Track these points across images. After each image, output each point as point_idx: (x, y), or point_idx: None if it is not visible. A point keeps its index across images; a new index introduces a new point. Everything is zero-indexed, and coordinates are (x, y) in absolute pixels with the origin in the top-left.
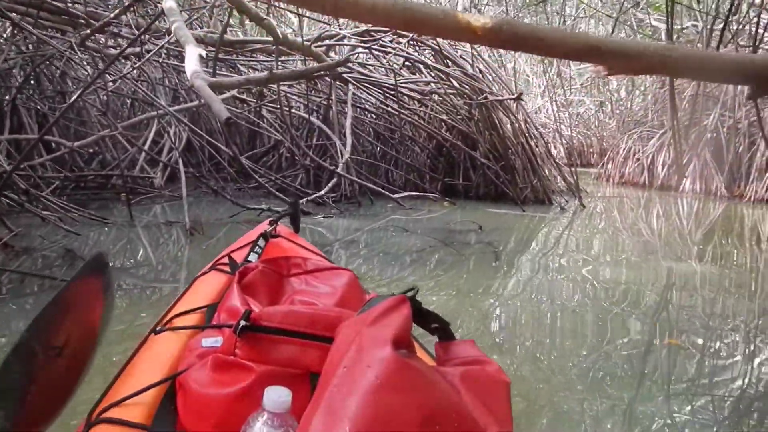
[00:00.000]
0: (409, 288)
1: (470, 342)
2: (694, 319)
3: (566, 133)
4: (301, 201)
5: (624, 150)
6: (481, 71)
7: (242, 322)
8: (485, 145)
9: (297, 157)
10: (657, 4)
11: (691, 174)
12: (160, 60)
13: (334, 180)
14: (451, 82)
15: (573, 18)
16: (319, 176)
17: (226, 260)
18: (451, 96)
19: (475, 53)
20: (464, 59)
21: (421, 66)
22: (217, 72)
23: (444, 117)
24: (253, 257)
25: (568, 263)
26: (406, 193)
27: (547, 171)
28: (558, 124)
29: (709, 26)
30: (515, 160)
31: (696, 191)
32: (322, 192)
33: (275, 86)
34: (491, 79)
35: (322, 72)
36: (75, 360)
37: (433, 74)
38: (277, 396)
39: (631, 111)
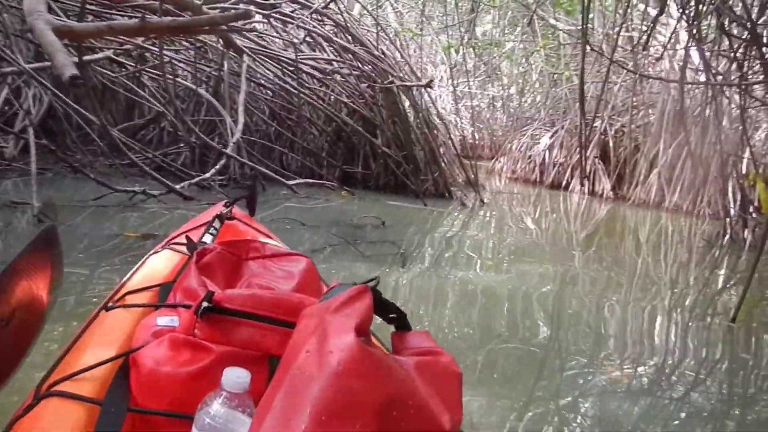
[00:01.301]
0: (371, 278)
1: (425, 333)
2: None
3: (462, 125)
4: (182, 184)
5: (517, 147)
6: (384, 53)
7: (204, 303)
8: (388, 133)
9: (180, 133)
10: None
11: (581, 174)
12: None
13: (223, 161)
14: (355, 63)
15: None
16: (207, 156)
17: (180, 239)
18: (354, 77)
19: (383, 34)
20: (369, 40)
21: (324, 43)
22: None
23: (345, 99)
24: (207, 238)
25: (476, 267)
26: (302, 180)
27: (448, 164)
28: (456, 115)
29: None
30: (418, 150)
31: (584, 191)
32: (208, 174)
33: (159, 50)
34: (395, 62)
35: (212, 28)
36: (22, 331)
37: (336, 52)
38: (236, 376)
39: (522, 109)
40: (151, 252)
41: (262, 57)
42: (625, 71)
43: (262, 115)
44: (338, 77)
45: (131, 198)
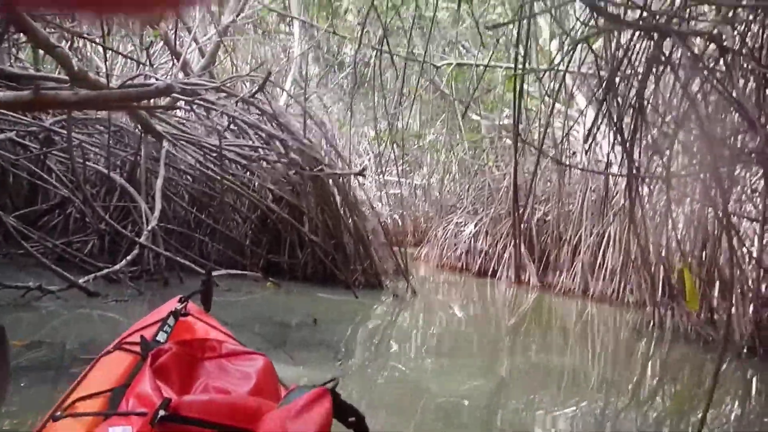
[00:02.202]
0: (330, 379)
1: None
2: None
3: (387, 212)
4: (86, 277)
5: (442, 234)
6: (311, 141)
7: (161, 412)
8: (316, 221)
9: (89, 220)
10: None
11: (507, 262)
12: None
13: (136, 251)
14: (282, 150)
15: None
16: (118, 245)
17: (133, 339)
18: (281, 164)
19: (310, 120)
20: (297, 128)
21: (250, 130)
22: None
23: (272, 186)
24: (162, 337)
25: (412, 365)
26: (224, 271)
27: (378, 252)
28: (381, 203)
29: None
30: (347, 239)
31: (510, 279)
32: (118, 266)
33: (67, 132)
34: (323, 150)
35: (128, 109)
36: None
37: (262, 139)
38: None
39: (444, 197)
40: (103, 353)
41: (183, 142)
42: (544, 162)
43: (182, 201)
44: (264, 164)
45: (24, 295)
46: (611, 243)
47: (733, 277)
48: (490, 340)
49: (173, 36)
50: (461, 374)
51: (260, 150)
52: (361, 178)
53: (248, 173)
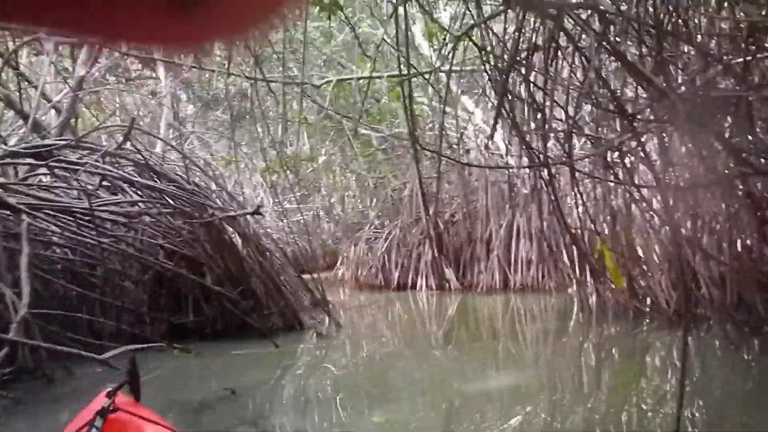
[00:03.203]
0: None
1: None
2: None
3: (292, 241)
4: None
5: (354, 254)
6: (198, 186)
7: None
8: (217, 270)
9: None
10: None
11: (423, 270)
12: None
13: (5, 350)
14: (166, 200)
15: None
16: None
17: None
18: (168, 216)
19: (193, 165)
20: (178, 174)
21: (125, 185)
22: None
23: (161, 241)
24: None
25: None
26: (121, 348)
27: (292, 290)
28: (285, 232)
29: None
30: (256, 283)
31: (431, 288)
32: None
33: None
34: (212, 193)
35: None
36: None
37: (140, 192)
38: None
39: (348, 216)
40: None
41: (47, 212)
42: (443, 163)
43: (57, 278)
44: (147, 219)
45: None
46: (521, 234)
47: (650, 249)
48: (428, 366)
49: (18, 97)
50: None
51: (140, 204)
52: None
53: (133, 232)
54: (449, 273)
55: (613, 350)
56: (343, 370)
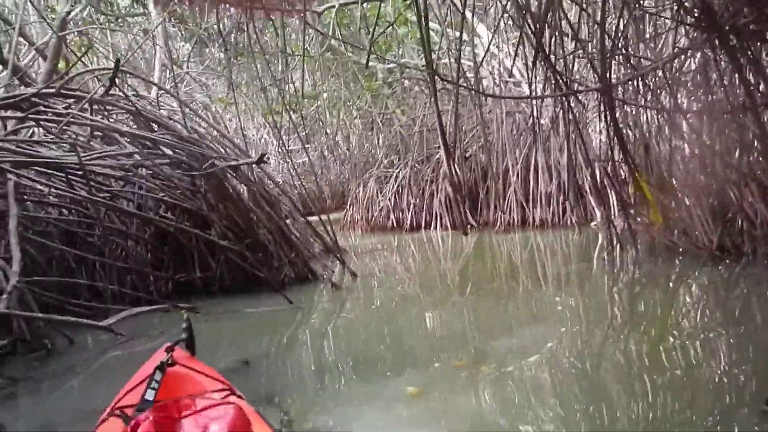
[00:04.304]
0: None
1: None
2: None
3: (298, 183)
4: None
5: (364, 195)
6: (198, 132)
7: None
8: (222, 223)
9: None
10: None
11: (437, 210)
12: None
13: None
14: (161, 150)
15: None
16: None
17: (124, 401)
18: (166, 167)
19: (190, 111)
20: (175, 121)
21: (117, 135)
22: None
23: (161, 195)
24: (150, 394)
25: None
26: (123, 314)
27: (302, 237)
28: (290, 175)
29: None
30: (264, 234)
31: (445, 227)
32: None
33: None
34: (213, 141)
35: None
36: None
37: (135, 143)
38: None
39: (354, 155)
40: (99, 421)
41: (35, 169)
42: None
43: (53, 241)
44: (144, 171)
45: None
46: (540, 168)
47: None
48: (451, 318)
49: None
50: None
51: (136, 156)
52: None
53: (130, 186)
54: (463, 212)
55: (646, 289)
56: (363, 328)
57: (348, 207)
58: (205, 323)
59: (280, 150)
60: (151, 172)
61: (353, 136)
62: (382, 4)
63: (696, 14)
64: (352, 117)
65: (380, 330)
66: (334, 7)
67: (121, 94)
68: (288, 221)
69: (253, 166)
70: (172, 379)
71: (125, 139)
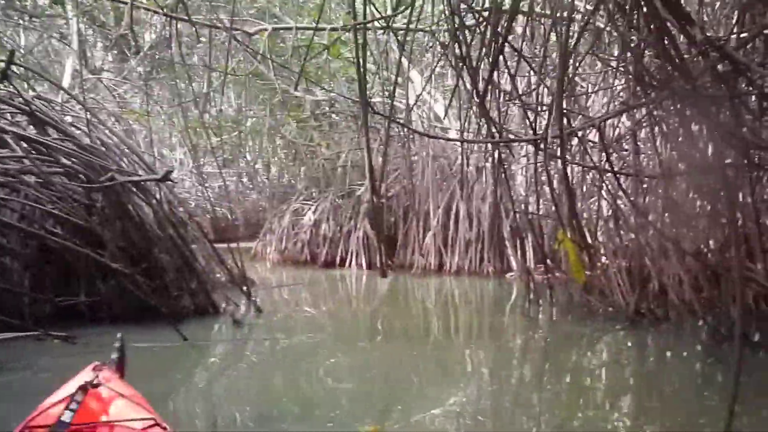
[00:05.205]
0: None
1: None
2: None
3: (211, 208)
4: None
5: (279, 226)
6: (103, 143)
7: None
8: (117, 243)
9: None
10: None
11: (354, 247)
12: None
13: None
14: (56, 158)
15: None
16: None
17: (38, 421)
18: (58, 177)
19: (94, 120)
20: (77, 126)
21: (8, 137)
22: None
23: (50, 207)
24: (67, 416)
25: None
26: None
27: (206, 266)
28: (203, 199)
29: None
30: (164, 259)
31: (360, 265)
32: None
33: None
34: (120, 154)
35: None
36: None
37: (29, 147)
38: None
39: (274, 184)
40: None
41: None
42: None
43: None
44: (33, 179)
45: None
46: (461, 215)
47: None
48: (360, 368)
49: None
50: None
51: (25, 161)
52: (177, 174)
53: (13, 193)
54: (381, 252)
55: (562, 347)
56: (260, 376)
57: (262, 237)
58: (78, 356)
59: (195, 172)
60: (41, 180)
61: (274, 165)
62: (317, 37)
63: (630, 76)
64: (275, 145)
65: (279, 380)
66: (266, 30)
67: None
68: (194, 247)
69: (161, 184)
70: (95, 402)
71: (8, 137)
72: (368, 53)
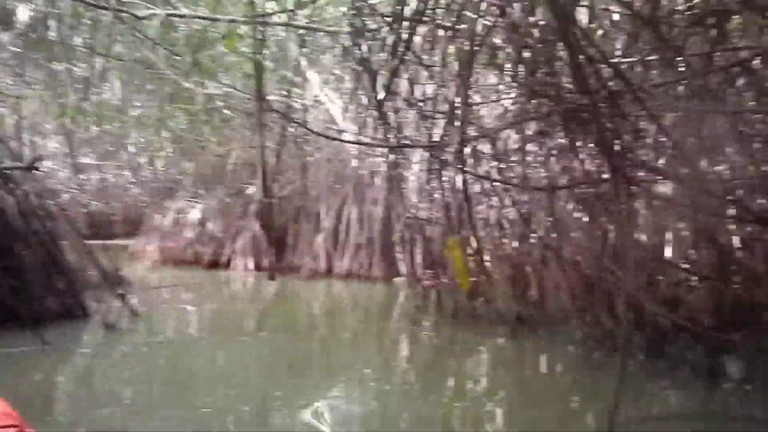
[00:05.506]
0: None
1: None
2: None
3: (87, 201)
4: None
5: (163, 223)
6: None
7: None
8: None
9: None
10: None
11: (241, 248)
12: None
13: None
14: None
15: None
16: None
17: None
18: None
19: None
20: None
21: None
22: None
23: None
24: None
25: None
26: None
27: (75, 264)
28: (79, 191)
29: None
30: (27, 256)
31: (247, 267)
32: None
33: None
34: None
35: None
36: None
37: None
38: None
39: (159, 179)
40: None
41: None
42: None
43: None
44: None
45: None
46: (352, 219)
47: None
48: (238, 383)
49: None
50: None
51: None
52: (50, 164)
53: None
54: (269, 253)
55: (443, 352)
56: (132, 377)
57: (142, 234)
58: None
59: (69, 161)
60: None
61: (159, 159)
62: (213, 29)
63: (522, 91)
64: (161, 138)
65: (145, 397)
66: (156, 15)
67: None
68: (64, 243)
69: (28, 174)
70: None
71: None
72: (266, 49)
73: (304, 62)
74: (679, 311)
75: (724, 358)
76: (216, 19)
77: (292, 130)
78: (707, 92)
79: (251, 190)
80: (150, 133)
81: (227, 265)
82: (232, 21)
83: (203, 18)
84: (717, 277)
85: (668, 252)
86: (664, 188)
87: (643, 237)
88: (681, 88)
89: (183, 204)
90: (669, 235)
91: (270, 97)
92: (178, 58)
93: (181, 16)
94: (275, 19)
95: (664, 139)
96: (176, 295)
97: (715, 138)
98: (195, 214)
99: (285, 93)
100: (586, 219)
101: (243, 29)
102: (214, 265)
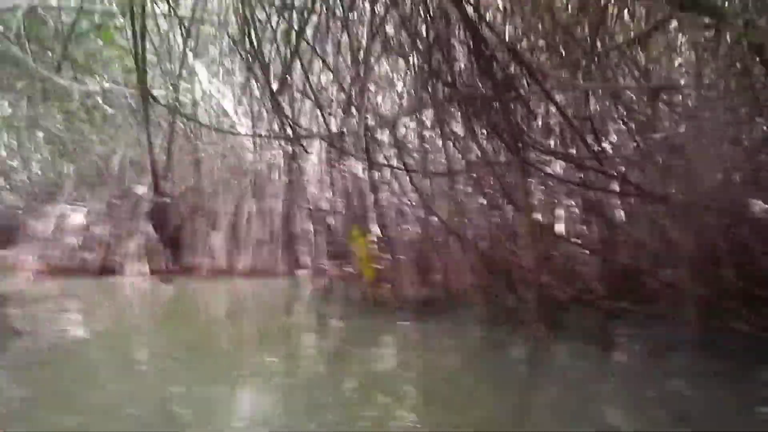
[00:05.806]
0: None
1: None
2: None
3: None
4: None
5: (42, 230)
6: None
7: None
8: None
9: None
10: None
11: (133, 252)
12: None
13: None
14: None
15: None
16: None
17: None
18: None
19: None
20: None
21: None
22: None
23: None
24: None
25: None
26: None
27: None
28: None
29: None
30: None
31: (141, 272)
32: None
33: None
34: None
35: None
36: None
37: None
38: None
39: (38, 182)
40: None
41: None
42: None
43: None
44: None
45: None
46: (252, 213)
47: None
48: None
49: None
50: None
51: None
52: None
53: None
54: (165, 255)
55: (350, 341)
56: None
57: (18, 243)
58: None
59: None
60: None
61: (35, 162)
62: (87, 20)
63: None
64: (36, 139)
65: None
66: (18, 8)
67: None
68: None
69: None
70: None
71: None
72: (148, 41)
73: (190, 55)
74: (574, 284)
75: (615, 323)
76: (88, 11)
77: (181, 125)
78: (593, 74)
79: (141, 189)
80: (22, 135)
81: (120, 270)
82: (107, 12)
83: (73, 8)
84: (605, 249)
85: (561, 228)
86: (557, 168)
87: (539, 215)
88: (570, 71)
89: (65, 208)
90: (561, 212)
91: (155, 92)
92: (48, 53)
93: (48, 7)
94: (156, 9)
95: (555, 120)
96: (63, 309)
97: (600, 116)
98: (78, 218)
99: (171, 87)
100: (484, 201)
101: (120, 21)
102: (104, 272)
